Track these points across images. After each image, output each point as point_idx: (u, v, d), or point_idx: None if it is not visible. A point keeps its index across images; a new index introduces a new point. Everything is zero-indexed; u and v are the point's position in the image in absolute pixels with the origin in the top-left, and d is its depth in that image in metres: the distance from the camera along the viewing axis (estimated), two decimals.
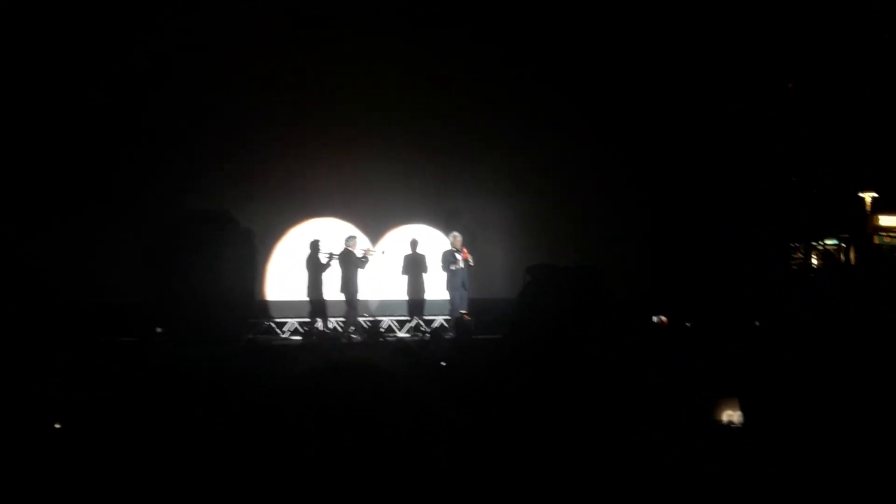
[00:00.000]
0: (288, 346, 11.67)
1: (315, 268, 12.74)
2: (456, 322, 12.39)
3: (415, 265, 13.41)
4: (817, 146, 15.65)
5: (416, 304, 13.39)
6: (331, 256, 12.76)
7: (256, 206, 12.66)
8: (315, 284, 12.70)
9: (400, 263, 13.44)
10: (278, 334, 13.26)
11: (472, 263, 13.18)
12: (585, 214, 14.27)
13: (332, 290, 12.87)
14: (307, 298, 12.76)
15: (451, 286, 13.23)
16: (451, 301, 13.25)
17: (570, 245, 13.57)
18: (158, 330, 10.85)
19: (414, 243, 13.50)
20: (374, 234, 14.05)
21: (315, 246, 12.86)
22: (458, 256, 13.10)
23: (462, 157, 14.20)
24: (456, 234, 13.32)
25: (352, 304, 12.87)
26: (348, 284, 12.81)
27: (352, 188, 13.89)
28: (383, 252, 13.38)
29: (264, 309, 13.32)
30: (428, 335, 12.22)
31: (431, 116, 14.09)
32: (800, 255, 15.88)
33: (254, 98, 13.48)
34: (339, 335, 12.40)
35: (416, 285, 13.39)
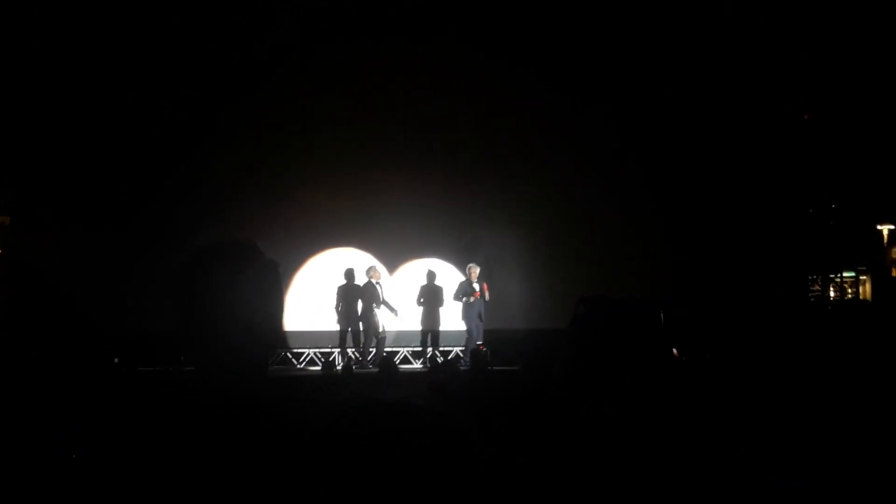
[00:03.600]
0: (309, 377, 11.71)
1: (347, 297, 12.89)
2: (472, 353, 12.37)
3: (431, 296, 13.38)
4: (834, 178, 15.67)
5: (431, 336, 13.35)
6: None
7: (275, 236, 12.77)
8: (348, 314, 12.86)
9: (415, 294, 13.43)
10: (294, 364, 13.26)
11: (487, 298, 13.17)
12: (605, 244, 14.24)
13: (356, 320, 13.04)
14: (338, 328, 12.95)
15: (466, 317, 13.21)
16: (469, 331, 13.22)
17: (591, 275, 13.55)
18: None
19: (431, 275, 13.50)
20: (392, 266, 14.08)
21: (349, 275, 12.99)
22: (476, 287, 13.08)
23: (478, 187, 14.23)
24: (472, 265, 13.32)
25: (368, 334, 12.92)
26: (369, 315, 12.88)
27: (370, 219, 13.96)
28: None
29: (283, 339, 13.37)
30: (439, 366, 12.19)
31: (449, 145, 14.17)
32: (817, 287, 15.85)
33: (275, 128, 13.66)
34: (350, 365, 12.41)
35: (430, 316, 13.37)
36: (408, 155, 13.91)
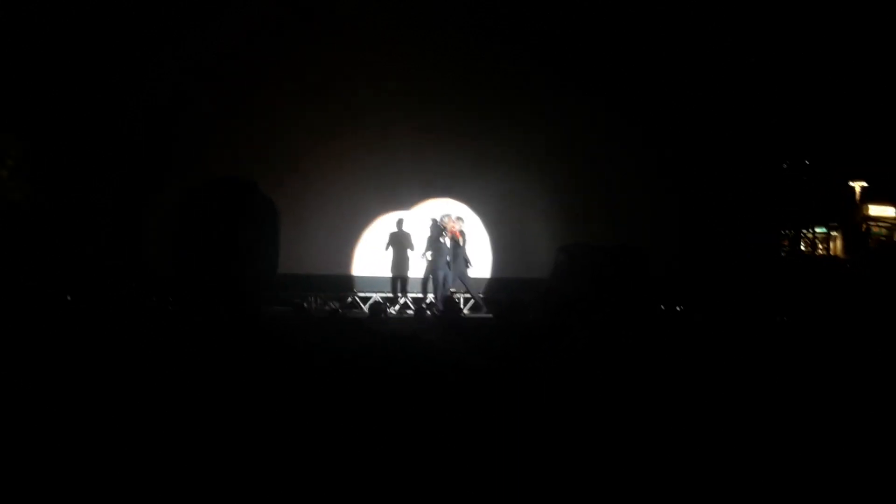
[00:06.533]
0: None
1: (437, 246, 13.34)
2: (445, 300, 12.51)
3: (398, 242, 13.59)
4: (809, 134, 15.77)
5: (401, 282, 13.64)
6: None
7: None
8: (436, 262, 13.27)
9: (385, 240, 13.64)
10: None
11: (461, 243, 13.27)
12: (582, 195, 14.34)
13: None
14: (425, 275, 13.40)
15: (433, 265, 13.34)
16: (434, 279, 13.35)
17: (567, 225, 13.69)
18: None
19: (399, 222, 13.68)
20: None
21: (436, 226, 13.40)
22: (445, 236, 13.22)
23: (489, 135, 14.23)
24: (447, 214, 13.44)
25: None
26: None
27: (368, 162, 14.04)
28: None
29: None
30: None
31: (458, 91, 14.19)
32: (788, 242, 16.00)
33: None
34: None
35: (399, 262, 13.62)
36: (413, 103, 14.04)
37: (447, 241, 13.16)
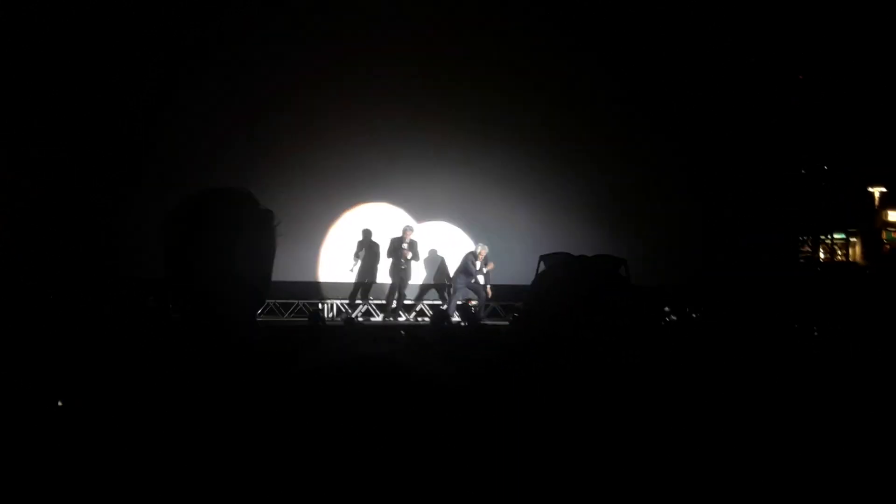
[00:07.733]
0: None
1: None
2: (461, 309, 12.48)
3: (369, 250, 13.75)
4: (827, 139, 15.62)
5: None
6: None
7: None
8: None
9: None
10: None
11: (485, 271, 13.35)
12: (601, 199, 14.23)
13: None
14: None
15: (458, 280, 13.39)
16: (455, 289, 13.38)
17: (584, 233, 13.59)
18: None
19: (366, 232, 13.74)
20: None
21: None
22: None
23: (480, 145, 14.15)
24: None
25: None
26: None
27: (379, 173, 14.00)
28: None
29: (272, 290, 13.56)
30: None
31: (448, 101, 14.12)
32: (807, 248, 15.81)
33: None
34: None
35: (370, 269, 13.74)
36: (409, 112, 13.96)
37: (477, 265, 13.18)
